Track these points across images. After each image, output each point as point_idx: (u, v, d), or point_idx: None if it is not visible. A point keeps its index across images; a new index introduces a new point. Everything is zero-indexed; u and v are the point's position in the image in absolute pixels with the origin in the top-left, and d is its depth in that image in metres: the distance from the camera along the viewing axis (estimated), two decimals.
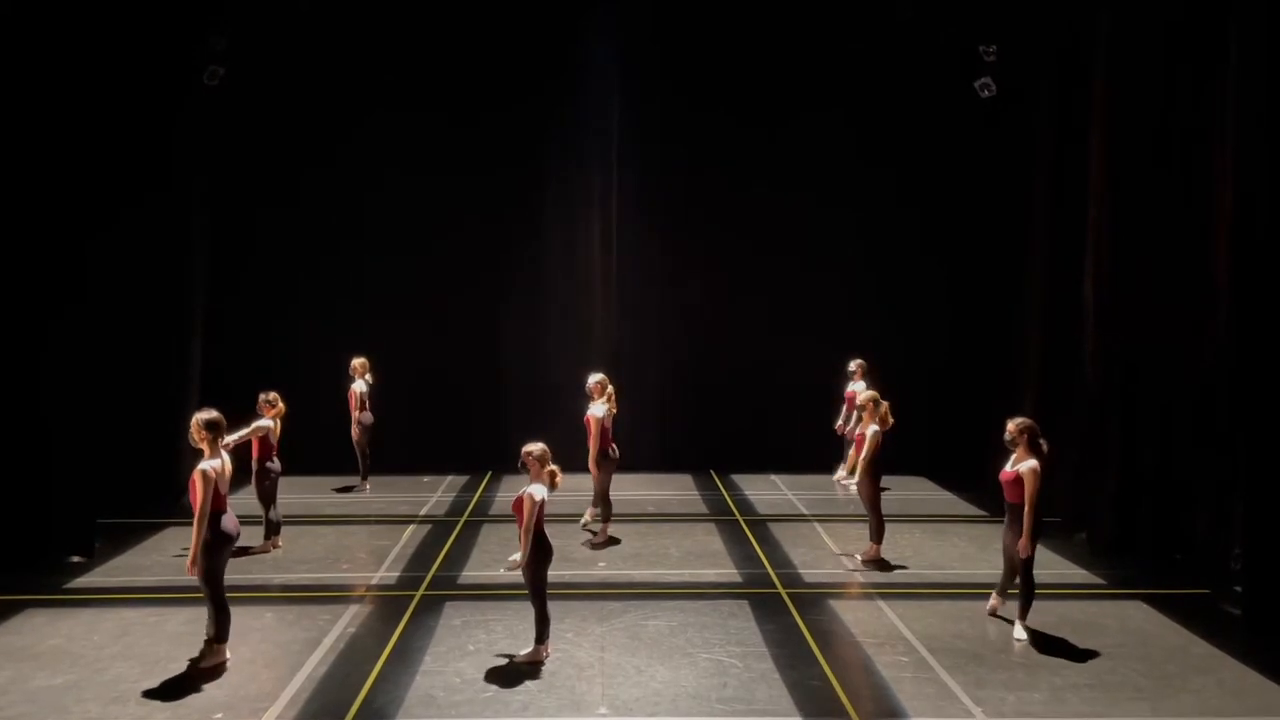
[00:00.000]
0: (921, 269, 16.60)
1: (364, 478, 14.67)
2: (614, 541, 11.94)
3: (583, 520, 12.50)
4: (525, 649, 8.27)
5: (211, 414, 8.28)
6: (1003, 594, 9.41)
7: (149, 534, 12.24)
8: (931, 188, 16.48)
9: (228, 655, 8.32)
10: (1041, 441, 8.89)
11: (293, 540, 11.85)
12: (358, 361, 14.39)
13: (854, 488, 12.10)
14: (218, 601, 8.20)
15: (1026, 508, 8.74)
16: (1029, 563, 8.86)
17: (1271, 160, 9.65)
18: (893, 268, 16.59)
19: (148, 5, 13.42)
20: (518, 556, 8.10)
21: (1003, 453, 9.17)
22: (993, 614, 9.40)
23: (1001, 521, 12.52)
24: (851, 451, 11.74)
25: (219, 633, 8.26)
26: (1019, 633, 8.89)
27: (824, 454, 15.56)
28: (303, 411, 12.90)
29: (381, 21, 16.06)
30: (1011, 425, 8.97)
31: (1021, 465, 8.81)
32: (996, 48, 15.01)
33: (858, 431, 11.70)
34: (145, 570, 10.91)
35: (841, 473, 15.05)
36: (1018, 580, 9.01)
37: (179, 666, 8.21)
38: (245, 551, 11.40)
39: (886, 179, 16.56)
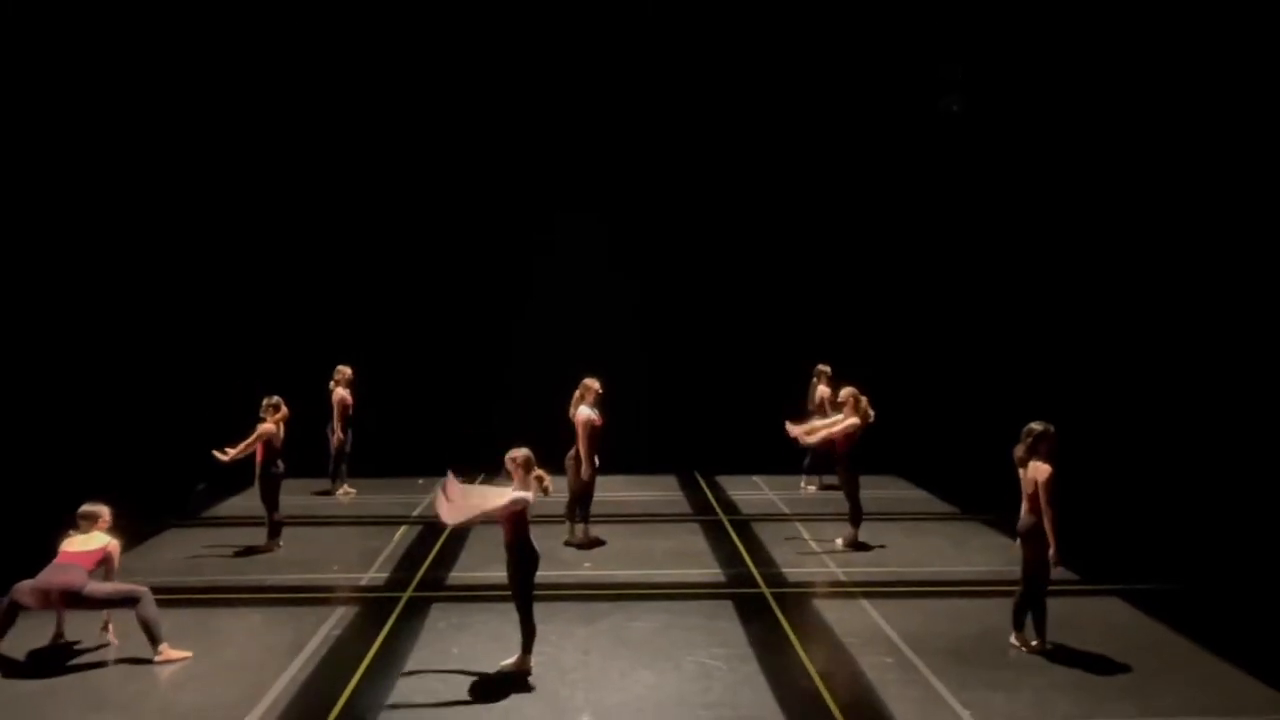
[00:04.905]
0: (895, 274, 16.22)
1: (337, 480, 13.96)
2: (599, 542, 11.23)
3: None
4: (510, 656, 7.51)
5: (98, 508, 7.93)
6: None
7: (147, 537, 11.53)
8: (905, 197, 16.10)
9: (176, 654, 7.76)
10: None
11: (289, 541, 11.14)
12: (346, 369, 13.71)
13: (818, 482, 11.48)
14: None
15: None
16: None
17: None
18: (867, 273, 16.20)
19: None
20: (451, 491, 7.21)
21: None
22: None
23: (977, 519, 11.88)
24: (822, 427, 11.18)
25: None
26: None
27: (804, 455, 14.90)
28: (301, 416, 12.22)
29: (380, 33, 15.66)
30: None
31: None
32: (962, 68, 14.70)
33: (838, 427, 11.05)
34: (141, 573, 9.98)
35: (811, 486, 14.29)
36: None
37: (164, 671, 7.52)
38: (250, 551, 10.86)
39: (860, 191, 16.20)
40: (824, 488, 13.96)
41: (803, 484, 14.28)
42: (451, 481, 7.34)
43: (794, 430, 11.23)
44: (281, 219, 15.98)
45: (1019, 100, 15.30)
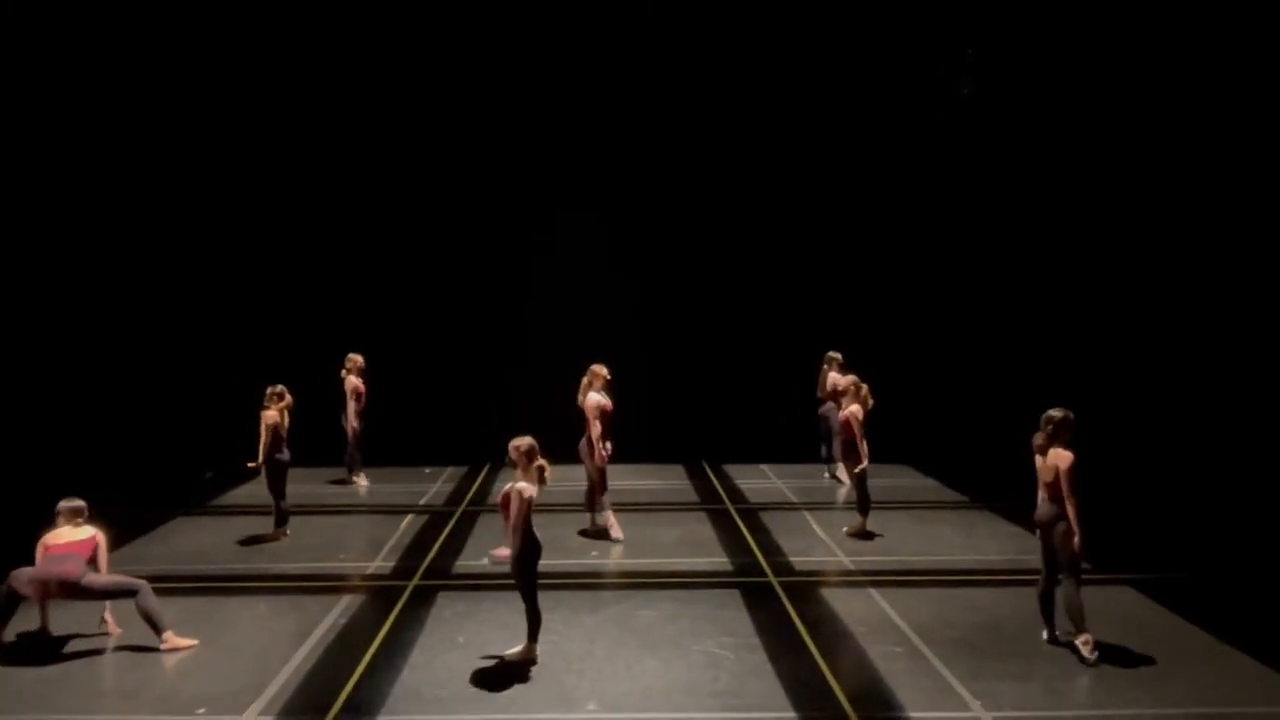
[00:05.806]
0: (905, 261, 16.12)
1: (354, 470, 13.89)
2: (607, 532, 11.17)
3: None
4: (516, 644, 7.46)
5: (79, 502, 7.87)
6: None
7: (155, 525, 11.52)
8: (914, 183, 15.99)
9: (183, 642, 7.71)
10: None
11: (295, 529, 11.10)
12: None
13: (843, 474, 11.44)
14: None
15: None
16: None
17: None
18: (876, 261, 16.11)
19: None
20: (505, 551, 7.32)
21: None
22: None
23: (986, 507, 11.74)
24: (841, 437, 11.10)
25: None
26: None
27: (813, 444, 14.79)
28: (311, 407, 12.19)
29: (383, 31, 15.61)
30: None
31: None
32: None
33: (841, 415, 11.05)
34: (151, 560, 10.09)
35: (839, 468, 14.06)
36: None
37: (169, 658, 7.49)
38: (257, 539, 10.81)
39: (869, 177, 16.10)
40: (831, 476, 13.91)
41: (828, 472, 14.05)
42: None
43: (861, 465, 10.75)
44: (288, 217, 15.93)
45: (1032, 85, 15.09)
